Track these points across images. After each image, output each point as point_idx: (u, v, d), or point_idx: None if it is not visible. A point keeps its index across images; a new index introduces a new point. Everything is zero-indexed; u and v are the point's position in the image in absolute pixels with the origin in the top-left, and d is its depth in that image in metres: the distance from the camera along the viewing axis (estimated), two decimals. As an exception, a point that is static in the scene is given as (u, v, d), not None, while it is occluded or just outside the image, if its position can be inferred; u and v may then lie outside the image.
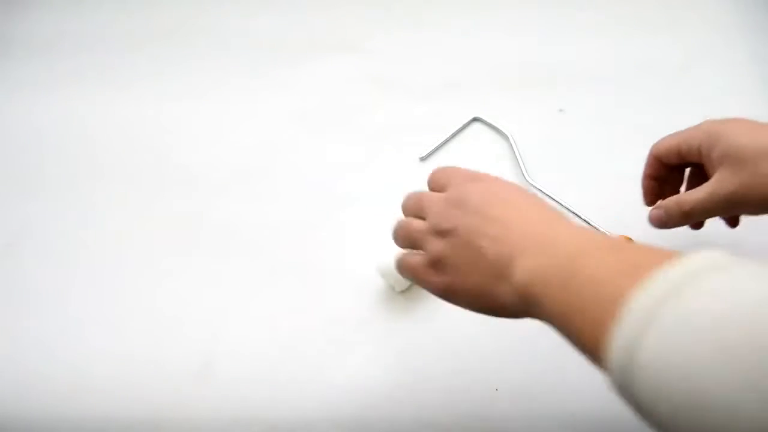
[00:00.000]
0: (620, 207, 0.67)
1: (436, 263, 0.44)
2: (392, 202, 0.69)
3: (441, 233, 0.44)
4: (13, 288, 0.65)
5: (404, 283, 0.61)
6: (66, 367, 0.60)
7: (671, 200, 0.53)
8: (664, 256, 0.33)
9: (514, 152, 0.68)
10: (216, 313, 0.63)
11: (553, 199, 0.64)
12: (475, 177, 0.46)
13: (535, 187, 0.65)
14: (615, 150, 0.70)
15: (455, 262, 0.43)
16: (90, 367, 0.60)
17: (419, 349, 0.60)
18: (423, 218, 0.46)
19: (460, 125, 0.71)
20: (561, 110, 0.73)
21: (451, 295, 0.45)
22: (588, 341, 0.35)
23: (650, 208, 0.56)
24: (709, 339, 0.29)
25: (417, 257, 0.46)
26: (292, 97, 0.77)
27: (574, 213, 0.64)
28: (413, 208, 0.48)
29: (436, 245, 0.44)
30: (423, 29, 0.81)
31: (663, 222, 0.54)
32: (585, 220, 0.63)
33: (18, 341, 0.62)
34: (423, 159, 0.70)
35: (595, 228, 0.61)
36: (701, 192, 0.51)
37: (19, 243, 0.68)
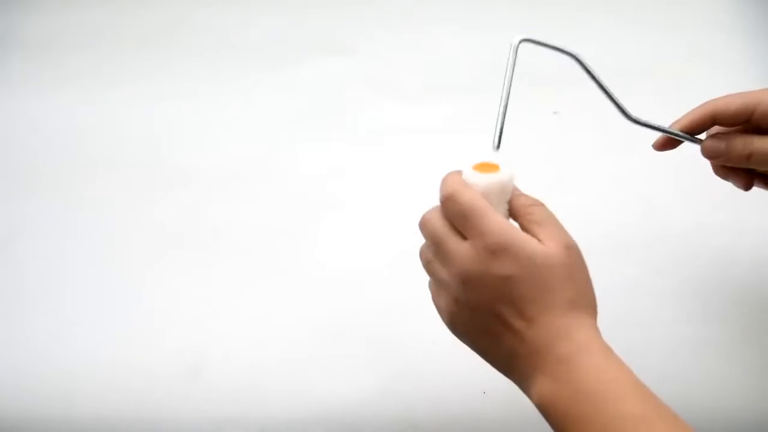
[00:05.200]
0: (617, 209, 0.67)
1: (454, 322, 0.45)
2: (388, 203, 0.70)
3: (459, 302, 0.43)
4: (5, 288, 0.65)
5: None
6: (56, 367, 0.60)
7: (737, 136, 0.50)
8: None
9: (592, 78, 0.54)
10: (206, 314, 0.63)
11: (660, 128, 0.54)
12: (502, 248, 0.41)
13: (639, 122, 0.55)
14: (612, 153, 0.70)
15: (472, 332, 0.44)
16: (80, 367, 0.60)
17: (407, 351, 0.60)
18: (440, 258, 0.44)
19: (509, 57, 0.52)
20: (555, 113, 0.73)
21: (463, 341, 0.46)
22: None
23: (704, 136, 0.52)
24: None
25: (441, 299, 0.45)
26: (287, 98, 0.77)
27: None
28: (431, 243, 0.45)
29: (454, 310, 0.44)
30: (420, 30, 0.81)
31: (718, 154, 0.51)
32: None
33: (8, 341, 0.62)
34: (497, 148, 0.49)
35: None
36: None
37: (12, 243, 0.68)
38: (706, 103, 0.52)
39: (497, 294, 0.41)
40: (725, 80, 0.75)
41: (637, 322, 0.61)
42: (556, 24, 0.81)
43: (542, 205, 0.44)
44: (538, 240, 0.42)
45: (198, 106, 0.77)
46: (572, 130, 0.72)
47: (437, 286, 0.45)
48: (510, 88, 0.49)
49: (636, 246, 0.65)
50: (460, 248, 0.42)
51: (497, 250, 0.41)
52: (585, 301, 0.42)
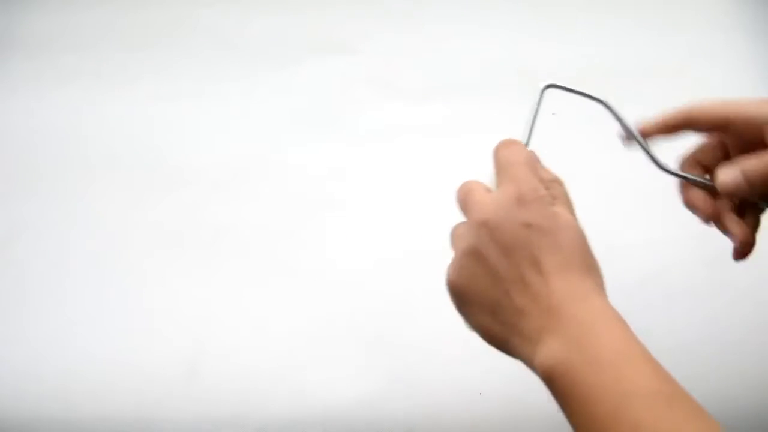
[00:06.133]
0: (616, 210, 0.67)
1: (458, 275, 0.41)
2: (386, 204, 0.70)
3: (472, 250, 0.40)
4: (3, 288, 0.65)
5: None
6: (55, 367, 0.60)
7: (731, 165, 0.42)
8: None
9: (622, 126, 0.50)
10: (205, 314, 0.63)
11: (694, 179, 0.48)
12: (530, 199, 0.39)
13: (673, 173, 0.48)
14: (610, 154, 0.69)
15: (477, 286, 0.40)
16: (78, 367, 0.60)
17: (403, 353, 0.60)
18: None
19: (534, 100, 0.50)
20: (554, 114, 0.73)
21: (459, 308, 0.42)
22: None
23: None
24: None
25: (452, 256, 0.42)
26: (287, 98, 0.77)
27: None
28: (461, 203, 0.43)
29: (463, 259, 0.40)
30: (419, 31, 0.81)
31: (736, 182, 0.43)
32: None
33: (6, 341, 0.62)
34: None
35: None
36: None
37: (11, 243, 0.68)
38: (683, 106, 0.48)
39: (515, 241, 0.38)
40: (725, 80, 0.75)
41: (636, 322, 0.61)
42: (556, 24, 0.81)
43: (562, 182, 0.43)
44: None
45: (198, 106, 0.77)
46: (571, 131, 0.72)
47: (453, 247, 0.42)
48: (533, 129, 0.49)
49: (634, 246, 0.65)
50: (487, 196, 0.41)
51: (525, 200, 0.39)
52: (600, 274, 0.39)
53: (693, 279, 0.63)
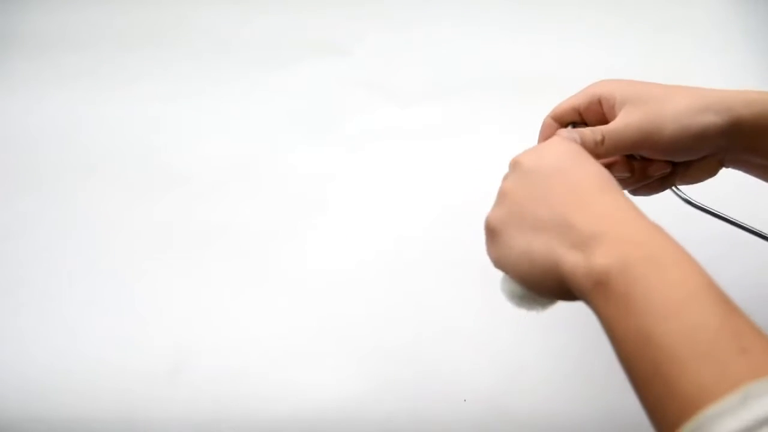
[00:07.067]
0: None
1: (511, 189, 0.43)
2: (381, 206, 0.70)
3: (517, 181, 0.43)
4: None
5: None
6: (40, 366, 0.60)
7: (585, 128, 0.48)
8: None
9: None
10: (199, 313, 0.63)
11: (725, 217, 0.52)
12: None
13: (699, 207, 0.53)
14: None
15: (529, 197, 0.41)
16: (63, 366, 0.60)
17: (388, 358, 0.60)
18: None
19: None
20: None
21: (497, 236, 0.42)
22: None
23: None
24: None
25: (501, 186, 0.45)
26: (285, 99, 0.77)
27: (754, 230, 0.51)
28: (514, 160, 0.46)
29: (518, 177, 0.43)
30: (417, 32, 0.81)
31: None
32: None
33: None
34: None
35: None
36: (613, 123, 0.47)
37: (7, 242, 0.68)
38: (547, 116, 0.53)
39: (561, 165, 0.41)
40: (725, 80, 0.75)
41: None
42: (556, 24, 0.81)
43: None
44: None
45: (197, 106, 0.77)
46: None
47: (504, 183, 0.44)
48: None
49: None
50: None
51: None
52: None
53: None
